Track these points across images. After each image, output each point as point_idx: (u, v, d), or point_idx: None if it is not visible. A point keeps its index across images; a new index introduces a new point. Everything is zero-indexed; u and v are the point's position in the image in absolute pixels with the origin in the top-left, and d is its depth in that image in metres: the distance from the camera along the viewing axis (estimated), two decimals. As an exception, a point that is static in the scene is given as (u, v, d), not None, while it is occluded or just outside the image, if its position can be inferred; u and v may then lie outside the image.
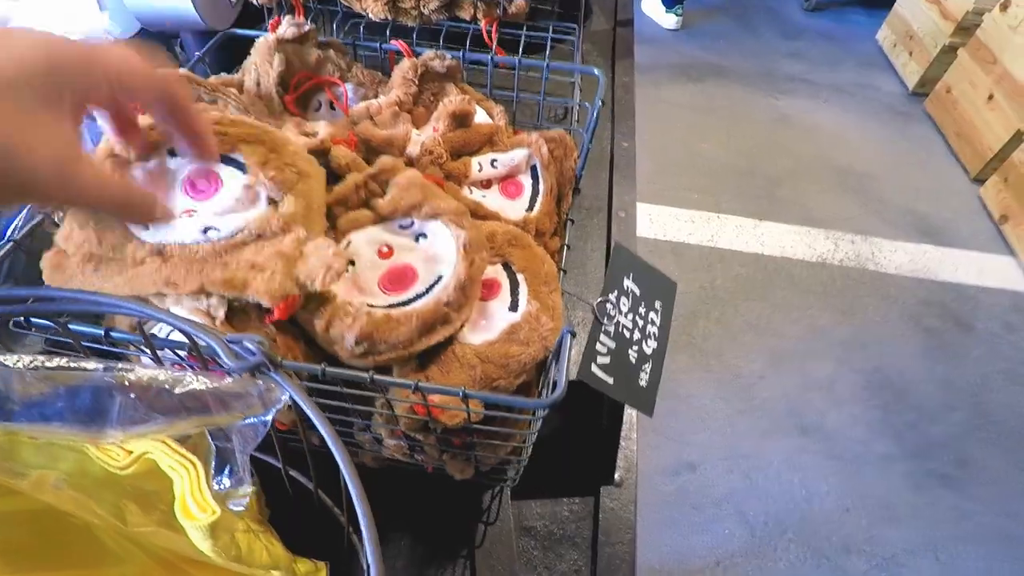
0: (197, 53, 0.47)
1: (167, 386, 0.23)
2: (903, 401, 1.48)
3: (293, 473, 0.35)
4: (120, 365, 0.23)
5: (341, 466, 0.21)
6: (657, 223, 1.83)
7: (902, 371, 1.54)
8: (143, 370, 0.23)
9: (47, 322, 0.29)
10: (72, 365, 0.22)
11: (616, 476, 0.48)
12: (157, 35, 0.64)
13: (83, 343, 0.30)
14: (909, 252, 1.83)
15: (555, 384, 0.29)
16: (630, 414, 0.51)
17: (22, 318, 0.29)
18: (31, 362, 0.22)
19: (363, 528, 0.20)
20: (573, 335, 0.31)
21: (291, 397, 0.24)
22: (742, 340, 1.57)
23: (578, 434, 0.50)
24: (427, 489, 0.45)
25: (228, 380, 0.23)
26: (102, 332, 0.29)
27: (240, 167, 0.34)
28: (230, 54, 0.49)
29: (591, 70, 0.46)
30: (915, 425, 1.44)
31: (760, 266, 1.75)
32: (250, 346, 0.24)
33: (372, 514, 0.20)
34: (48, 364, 0.22)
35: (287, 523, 0.34)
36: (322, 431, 0.22)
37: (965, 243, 1.87)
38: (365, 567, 0.21)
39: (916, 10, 2.37)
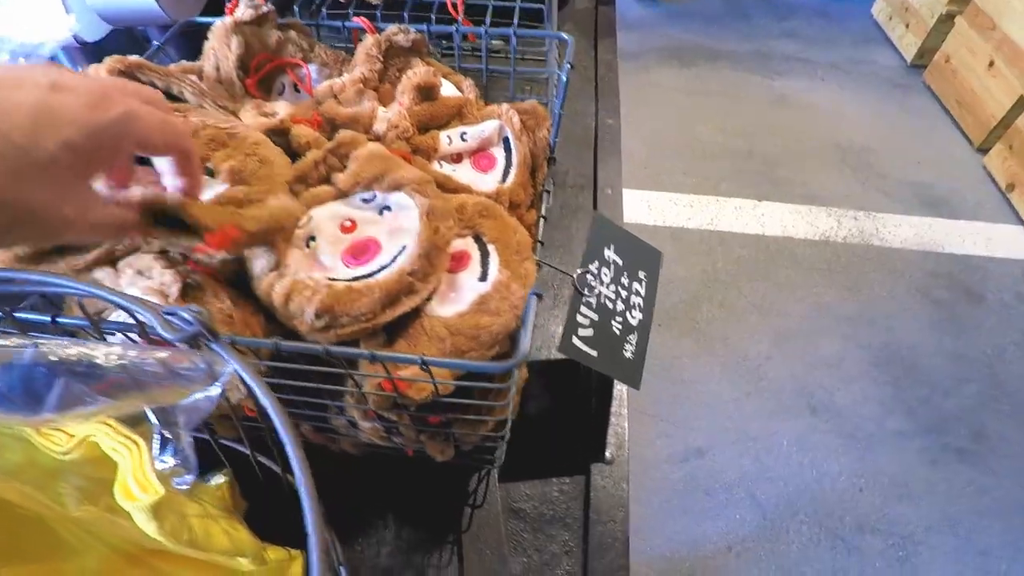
0: (156, 42, 0.46)
1: (98, 360, 0.21)
2: (914, 376, 1.45)
3: (262, 459, 0.34)
4: (49, 340, 0.22)
5: (279, 430, 0.20)
6: (655, 209, 1.81)
7: (912, 345, 1.50)
8: (73, 346, 0.22)
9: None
10: (-4, 342, 0.21)
11: (607, 453, 0.46)
12: (127, 33, 0.63)
13: (31, 333, 0.29)
14: (914, 225, 1.79)
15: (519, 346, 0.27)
16: (620, 389, 0.49)
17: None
18: (-48, 341, 0.21)
19: (300, 486, 0.18)
20: (539, 297, 0.30)
21: (234, 369, 0.23)
22: (747, 322, 1.54)
23: (566, 412, 0.49)
24: (410, 474, 0.44)
25: (163, 352, 0.22)
26: (49, 319, 0.28)
27: (209, 173, 0.35)
28: (199, 44, 0.48)
29: (559, 35, 0.45)
30: (928, 400, 1.41)
31: (762, 247, 1.72)
32: (187, 316, 0.23)
33: (311, 474, 0.18)
34: (-30, 343, 0.21)
35: (264, 513, 0.33)
36: (260, 397, 0.21)
37: (971, 214, 1.84)
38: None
39: (910, -20, 2.33)
